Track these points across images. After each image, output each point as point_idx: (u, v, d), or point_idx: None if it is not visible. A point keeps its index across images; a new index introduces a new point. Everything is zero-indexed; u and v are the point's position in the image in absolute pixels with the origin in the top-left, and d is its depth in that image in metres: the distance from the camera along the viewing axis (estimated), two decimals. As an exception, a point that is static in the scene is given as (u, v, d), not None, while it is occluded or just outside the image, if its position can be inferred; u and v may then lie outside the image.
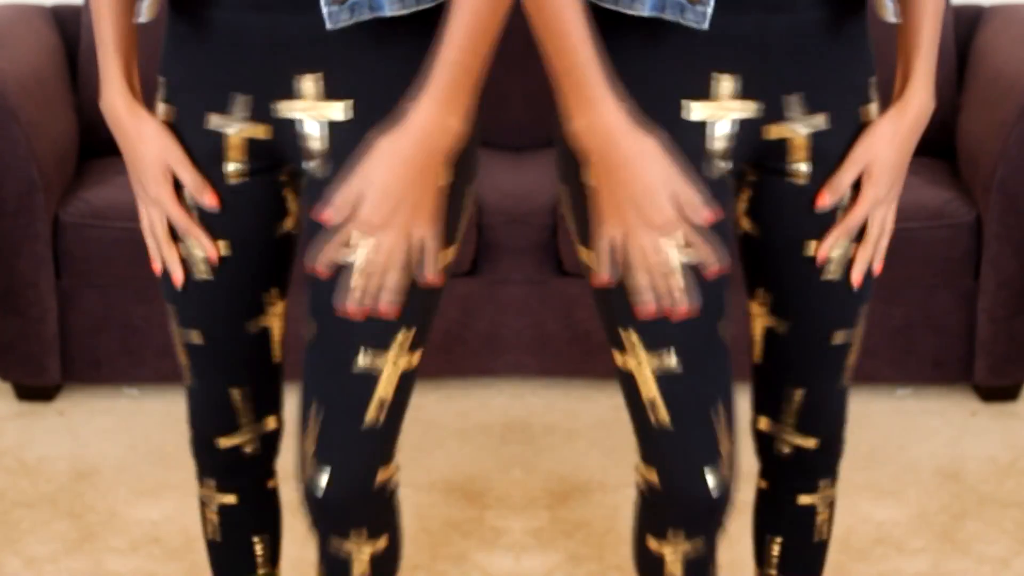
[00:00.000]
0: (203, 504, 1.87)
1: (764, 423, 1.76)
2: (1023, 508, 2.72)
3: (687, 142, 1.55)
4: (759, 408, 1.76)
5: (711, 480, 1.61)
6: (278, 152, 1.62)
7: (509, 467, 2.88)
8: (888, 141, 1.62)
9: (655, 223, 1.50)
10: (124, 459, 2.90)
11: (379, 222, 1.51)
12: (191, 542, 2.59)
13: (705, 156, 1.56)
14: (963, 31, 3.46)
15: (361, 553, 1.68)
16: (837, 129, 1.62)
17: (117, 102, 1.64)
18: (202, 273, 1.66)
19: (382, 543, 1.68)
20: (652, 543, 1.69)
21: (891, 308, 3.09)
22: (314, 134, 1.58)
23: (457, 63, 1.49)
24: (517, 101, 3.48)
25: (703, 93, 1.54)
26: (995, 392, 3.16)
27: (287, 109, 1.58)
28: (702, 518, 1.65)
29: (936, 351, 3.10)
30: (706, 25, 1.49)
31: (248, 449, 1.80)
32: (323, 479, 1.61)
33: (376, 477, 1.62)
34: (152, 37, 3.16)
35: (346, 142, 1.56)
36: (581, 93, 1.49)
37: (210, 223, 1.64)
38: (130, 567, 2.51)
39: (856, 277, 1.65)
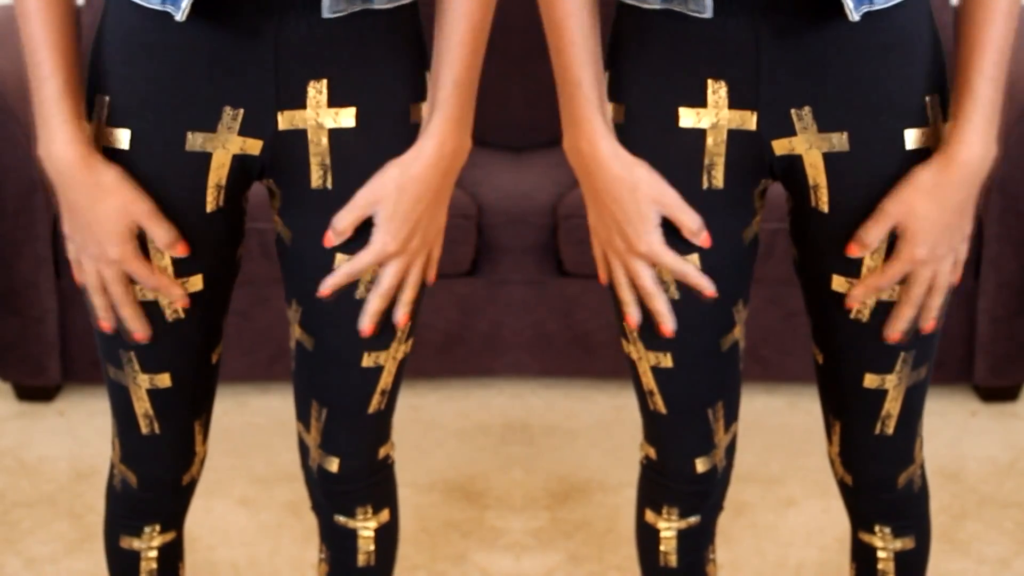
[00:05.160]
0: (131, 558, 1.71)
1: (829, 444, 1.72)
2: (1023, 508, 2.72)
3: (682, 150, 1.51)
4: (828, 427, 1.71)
5: (701, 466, 1.66)
6: (265, 168, 1.52)
7: (509, 467, 2.88)
8: (927, 194, 1.46)
9: (635, 251, 1.51)
10: (124, 459, 2.90)
11: (396, 250, 1.51)
12: (191, 542, 2.59)
13: (701, 166, 1.51)
14: (963, 31, 3.45)
15: (367, 528, 1.71)
16: (862, 153, 1.49)
17: (67, 152, 1.44)
18: (175, 314, 1.55)
19: (385, 516, 1.73)
20: (649, 515, 1.72)
21: (891, 308, 3.10)
22: (319, 144, 1.49)
23: (465, 81, 1.49)
24: (517, 101, 3.48)
25: (698, 100, 1.48)
26: (995, 392, 3.16)
27: (291, 120, 1.49)
28: (694, 499, 1.69)
29: (936, 351, 3.10)
30: (708, 14, 1.44)
31: (196, 473, 1.71)
32: (332, 465, 1.66)
33: (378, 455, 1.68)
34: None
35: (349, 151, 1.51)
36: (569, 112, 1.50)
37: (185, 258, 1.53)
38: (130, 567, 2.51)
39: (891, 334, 1.54)
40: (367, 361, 1.59)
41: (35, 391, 3.17)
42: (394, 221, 1.50)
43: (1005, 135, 2.93)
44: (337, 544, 1.73)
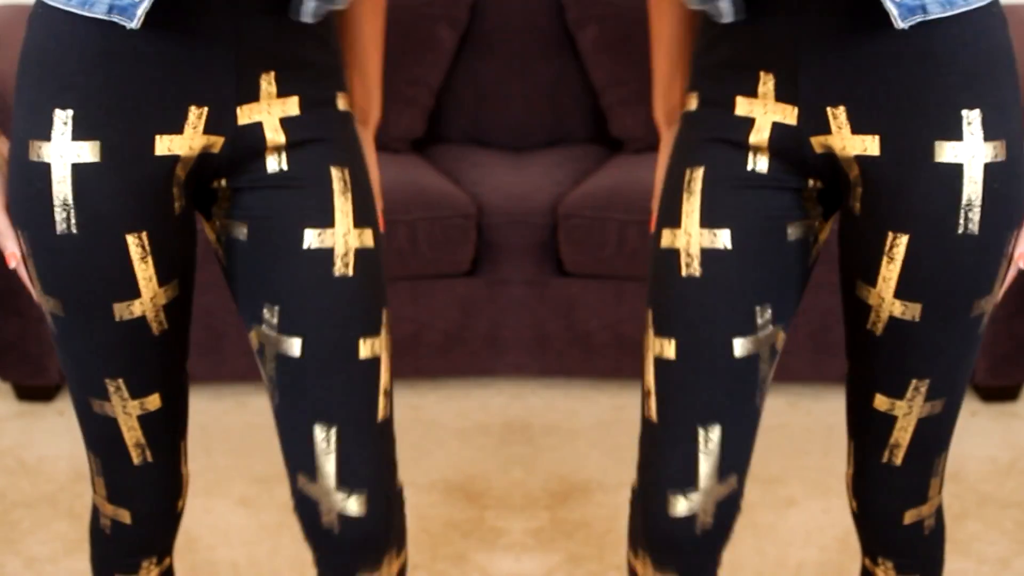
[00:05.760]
0: None
1: None
2: (1023, 508, 2.72)
3: (734, 136, 1.52)
4: None
5: (676, 506, 1.49)
6: (220, 166, 1.52)
7: (509, 467, 2.88)
8: None
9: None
10: (124, 459, 2.90)
11: None
12: (191, 542, 2.59)
13: (747, 150, 1.52)
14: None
15: None
16: (892, 160, 1.46)
17: None
18: (161, 326, 1.52)
19: (404, 556, 1.57)
20: (629, 554, 1.59)
21: (891, 308, 3.10)
22: (274, 133, 1.51)
23: (382, 61, 1.67)
24: (517, 101, 3.48)
25: (751, 91, 1.51)
26: (995, 392, 3.16)
27: (248, 114, 1.50)
28: (667, 550, 1.51)
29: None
30: (728, 18, 1.47)
31: (185, 498, 1.68)
32: (357, 506, 1.49)
33: (396, 484, 1.53)
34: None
35: (298, 137, 1.53)
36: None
37: (164, 264, 1.50)
38: (130, 567, 2.51)
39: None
40: (364, 351, 1.49)
41: (35, 391, 3.17)
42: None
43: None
44: None
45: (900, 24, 1.40)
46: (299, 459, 1.49)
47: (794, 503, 2.73)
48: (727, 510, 1.51)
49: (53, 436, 3.01)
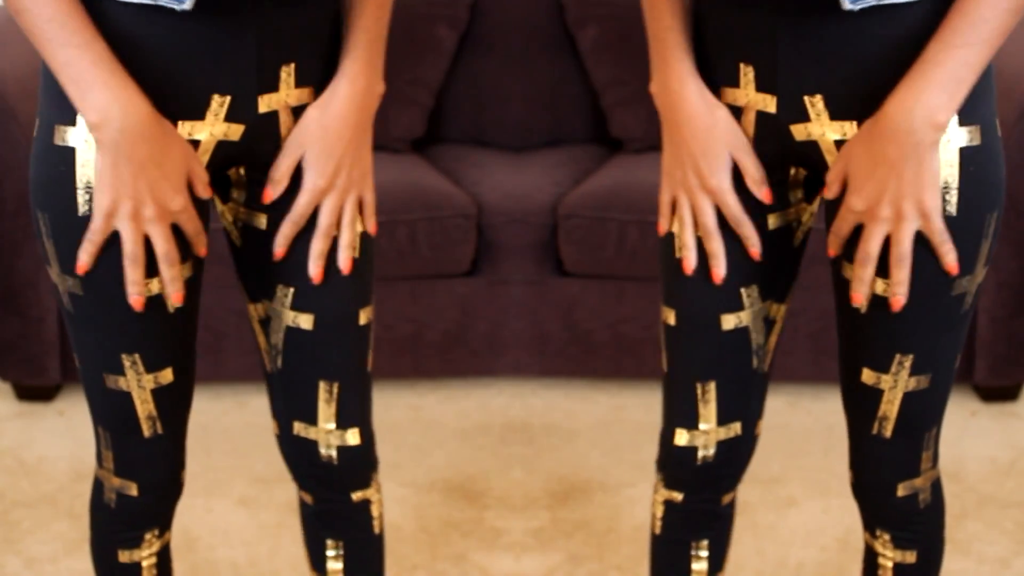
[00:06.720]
0: (133, 571, 1.70)
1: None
2: (1023, 508, 2.72)
3: None
4: None
5: (681, 439, 1.68)
6: (241, 154, 1.58)
7: (509, 467, 2.88)
8: (861, 142, 1.50)
9: (706, 186, 1.57)
10: (124, 459, 2.90)
11: (325, 185, 1.57)
12: (191, 542, 2.59)
13: None
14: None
15: (376, 493, 1.73)
16: None
17: (147, 109, 1.48)
18: (177, 302, 1.56)
19: (377, 474, 1.76)
20: (655, 476, 1.77)
21: (891, 308, 3.09)
22: (288, 124, 1.57)
23: (371, 29, 1.59)
24: (517, 101, 3.48)
25: (734, 82, 1.56)
26: (995, 392, 3.16)
27: (268, 103, 1.55)
28: (672, 473, 1.71)
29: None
30: None
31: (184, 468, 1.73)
32: (354, 438, 1.67)
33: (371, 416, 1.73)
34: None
35: None
36: (661, 55, 1.58)
37: (181, 244, 1.55)
38: (130, 567, 2.51)
39: (853, 295, 1.54)
40: (363, 319, 1.63)
41: (35, 391, 3.17)
42: (320, 159, 1.57)
43: (1005, 135, 2.93)
44: (352, 526, 1.73)
45: (848, 6, 1.46)
46: (298, 409, 1.65)
47: (794, 503, 2.74)
48: (730, 449, 1.67)
49: (53, 436, 3.01)
